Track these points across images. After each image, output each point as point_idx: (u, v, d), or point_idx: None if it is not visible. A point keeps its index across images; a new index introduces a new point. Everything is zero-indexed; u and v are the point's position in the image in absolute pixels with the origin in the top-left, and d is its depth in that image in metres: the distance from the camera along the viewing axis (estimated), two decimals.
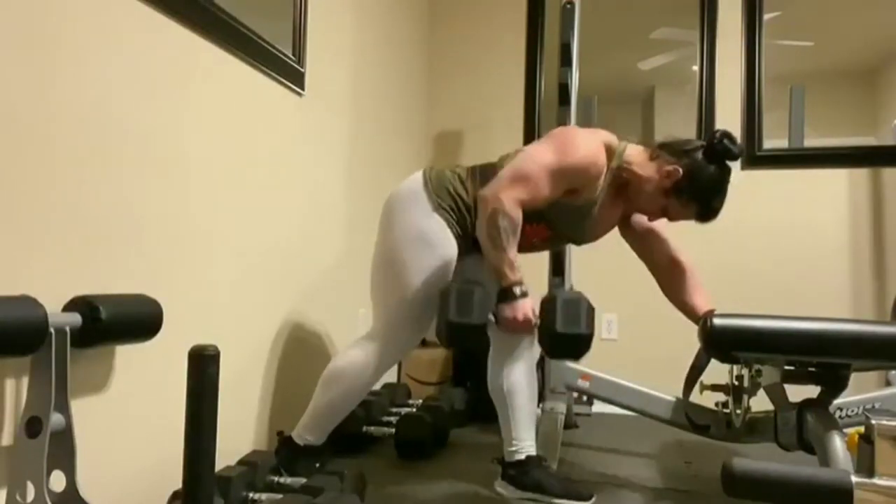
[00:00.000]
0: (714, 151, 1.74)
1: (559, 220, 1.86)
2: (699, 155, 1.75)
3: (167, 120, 1.62)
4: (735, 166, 1.84)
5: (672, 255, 1.96)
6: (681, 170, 1.73)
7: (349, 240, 2.65)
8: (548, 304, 1.67)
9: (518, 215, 1.68)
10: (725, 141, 1.73)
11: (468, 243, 1.82)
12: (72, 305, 1.29)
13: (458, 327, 1.65)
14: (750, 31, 3.19)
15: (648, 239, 1.98)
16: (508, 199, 1.68)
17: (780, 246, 3.13)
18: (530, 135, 3.47)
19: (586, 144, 1.73)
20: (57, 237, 1.31)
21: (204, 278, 1.76)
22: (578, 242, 1.98)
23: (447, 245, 1.79)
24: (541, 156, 1.73)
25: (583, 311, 1.64)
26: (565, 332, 1.63)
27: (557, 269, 2.50)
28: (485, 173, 1.83)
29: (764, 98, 3.17)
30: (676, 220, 1.82)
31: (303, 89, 2.24)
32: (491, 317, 1.70)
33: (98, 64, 1.40)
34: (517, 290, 1.69)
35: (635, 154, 1.82)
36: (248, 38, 1.92)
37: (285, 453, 1.81)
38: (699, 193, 1.75)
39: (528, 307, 1.69)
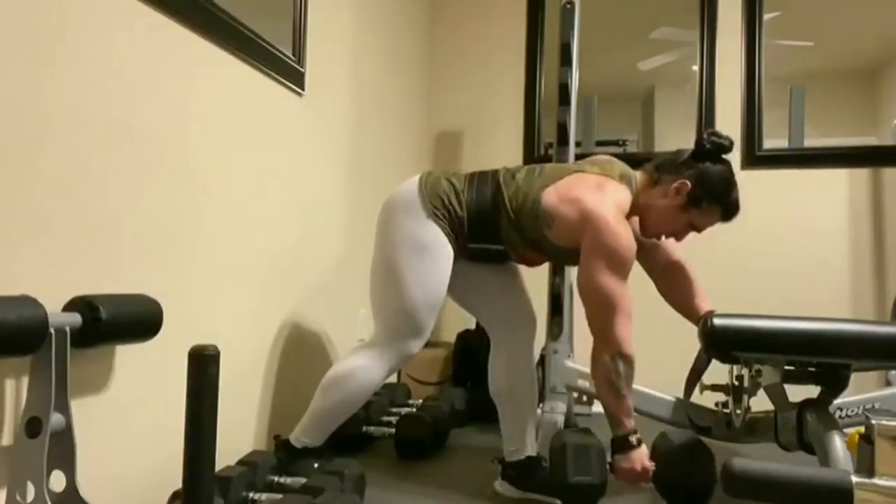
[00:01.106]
0: (707, 152, 1.74)
1: (563, 260, 1.84)
2: (695, 161, 1.75)
3: (167, 120, 1.62)
4: (735, 168, 1.84)
5: (670, 259, 1.95)
6: (688, 181, 1.73)
7: (350, 240, 2.65)
8: (667, 453, 1.64)
9: (633, 352, 1.65)
10: (713, 138, 1.74)
11: (463, 251, 1.81)
12: (72, 305, 1.29)
13: (578, 487, 1.62)
14: (750, 31, 3.20)
15: (651, 249, 1.96)
16: (623, 337, 1.64)
17: (779, 246, 3.13)
18: (530, 135, 3.47)
19: (622, 235, 1.64)
20: (57, 237, 1.31)
21: (204, 278, 1.76)
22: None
23: (444, 250, 1.77)
24: (606, 277, 1.64)
25: (705, 458, 1.62)
26: (695, 484, 1.61)
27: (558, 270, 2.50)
28: (483, 181, 1.80)
29: (764, 98, 3.16)
30: (703, 229, 1.79)
31: (303, 89, 2.24)
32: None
33: (97, 63, 1.40)
34: (633, 440, 1.66)
35: (640, 187, 1.80)
36: (249, 38, 1.92)
37: (283, 456, 1.81)
38: (715, 194, 1.73)
39: (644, 457, 1.66)
